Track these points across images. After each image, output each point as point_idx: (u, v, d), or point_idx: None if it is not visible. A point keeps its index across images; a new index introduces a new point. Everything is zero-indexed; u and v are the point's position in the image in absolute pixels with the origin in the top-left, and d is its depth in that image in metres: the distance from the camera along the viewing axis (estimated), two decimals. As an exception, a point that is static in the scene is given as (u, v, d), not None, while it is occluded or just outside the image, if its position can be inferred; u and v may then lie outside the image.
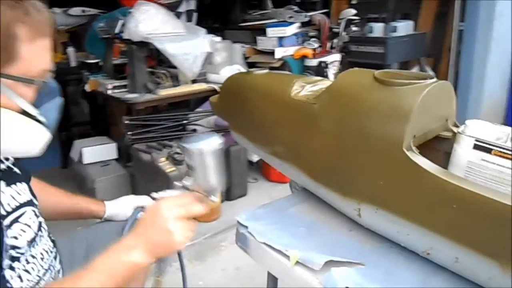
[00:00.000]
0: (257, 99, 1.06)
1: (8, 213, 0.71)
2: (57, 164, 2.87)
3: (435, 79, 0.77)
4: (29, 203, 0.78)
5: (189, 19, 2.99)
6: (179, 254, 0.94)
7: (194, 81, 2.43)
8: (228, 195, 2.39)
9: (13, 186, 0.75)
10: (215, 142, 0.74)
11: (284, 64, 2.69)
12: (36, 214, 0.79)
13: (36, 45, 0.65)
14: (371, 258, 0.80)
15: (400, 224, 0.76)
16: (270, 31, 2.69)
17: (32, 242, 0.75)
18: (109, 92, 2.35)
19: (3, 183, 0.72)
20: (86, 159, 2.40)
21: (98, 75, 2.60)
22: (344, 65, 2.84)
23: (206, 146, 0.72)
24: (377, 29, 3.18)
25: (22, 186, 0.78)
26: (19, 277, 0.71)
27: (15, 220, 0.72)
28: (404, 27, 3.19)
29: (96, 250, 0.67)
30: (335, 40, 2.72)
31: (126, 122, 2.15)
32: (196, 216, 0.73)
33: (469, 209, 0.65)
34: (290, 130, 0.97)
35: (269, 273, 0.96)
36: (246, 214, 0.95)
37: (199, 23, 2.96)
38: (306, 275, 0.76)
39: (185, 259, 0.97)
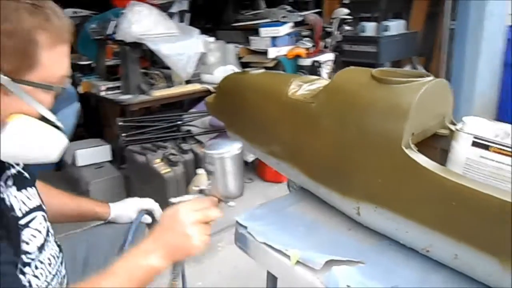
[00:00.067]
0: (254, 99, 1.06)
1: (19, 218, 0.71)
2: (51, 166, 2.85)
3: (432, 77, 0.78)
4: (39, 208, 0.77)
5: (181, 20, 2.98)
6: None
7: (188, 82, 2.43)
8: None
9: (23, 191, 0.75)
10: (235, 148, 0.74)
11: (277, 64, 2.69)
12: (45, 219, 0.78)
13: (56, 52, 0.65)
14: (370, 256, 0.80)
15: (399, 222, 0.76)
16: (264, 31, 2.70)
17: (41, 248, 0.75)
18: (102, 93, 2.33)
19: (14, 188, 0.72)
20: (80, 162, 2.38)
21: (91, 76, 2.58)
22: (338, 64, 2.85)
23: (227, 152, 0.72)
24: (370, 28, 3.20)
25: (32, 191, 0.78)
26: (29, 282, 0.70)
27: (26, 225, 0.72)
28: (396, 26, 3.22)
29: (96, 253, 0.67)
30: (328, 40, 2.73)
31: (120, 123, 2.14)
32: (212, 221, 0.74)
33: (468, 206, 0.65)
34: (288, 129, 0.96)
35: (268, 273, 0.96)
36: (245, 214, 0.95)
37: (192, 23, 2.95)
38: (307, 275, 0.76)
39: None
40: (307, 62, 2.67)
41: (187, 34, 2.31)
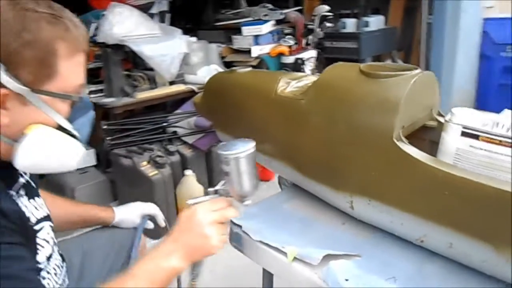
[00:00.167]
0: (243, 97, 1.06)
1: (33, 228, 0.71)
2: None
3: (420, 70, 0.79)
4: (47, 218, 0.76)
5: (162, 20, 2.94)
6: None
7: (171, 83, 2.40)
8: (212, 196, 2.37)
9: (31, 200, 0.74)
10: (249, 147, 0.75)
11: (261, 62, 2.69)
12: (52, 229, 0.78)
13: (74, 61, 0.65)
14: (366, 250, 0.81)
15: (393, 214, 0.77)
16: (246, 30, 2.69)
17: (49, 258, 0.75)
18: (85, 97, 2.29)
19: (26, 197, 0.72)
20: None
21: (71, 80, 2.52)
22: (320, 61, 2.87)
23: (241, 152, 0.74)
24: (350, 24, 3.23)
25: (39, 201, 0.77)
26: None
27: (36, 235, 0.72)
28: (375, 22, 3.26)
29: (92, 258, 0.67)
30: (310, 37, 2.74)
31: (105, 127, 2.10)
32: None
33: (460, 195, 0.66)
34: (278, 127, 0.97)
35: (264, 272, 0.96)
36: (239, 213, 0.95)
37: (172, 24, 2.91)
38: (304, 271, 0.76)
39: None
40: (290, 59, 2.67)
41: (170, 35, 2.29)
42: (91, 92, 2.27)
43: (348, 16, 3.33)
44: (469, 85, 3.20)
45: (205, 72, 2.53)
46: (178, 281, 0.98)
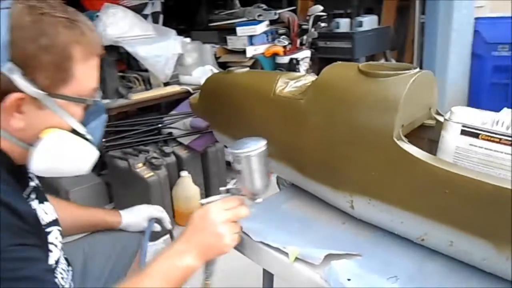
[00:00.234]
0: (241, 98, 1.05)
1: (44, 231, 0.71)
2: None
3: (418, 69, 0.79)
4: (55, 222, 0.76)
5: (155, 21, 2.93)
6: None
7: (166, 84, 2.39)
8: (208, 196, 2.35)
9: (41, 205, 0.74)
10: (260, 145, 0.76)
11: (255, 63, 2.69)
12: (60, 234, 0.78)
13: (88, 65, 0.66)
14: (367, 249, 0.81)
15: (393, 213, 0.77)
16: (240, 30, 2.68)
17: (57, 262, 0.75)
18: (79, 99, 2.27)
19: (36, 201, 0.72)
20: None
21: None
22: (314, 61, 2.87)
23: (253, 151, 0.74)
24: (344, 24, 3.25)
25: (48, 205, 0.76)
26: None
27: None
28: (369, 22, 3.28)
29: (94, 261, 0.67)
30: (304, 37, 2.74)
31: (99, 129, 2.08)
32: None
33: (461, 193, 0.67)
34: (277, 127, 0.96)
35: (264, 272, 0.96)
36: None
37: (165, 25, 2.90)
38: (306, 271, 0.76)
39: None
40: (284, 59, 2.67)
41: (164, 35, 2.28)
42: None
43: (341, 16, 3.35)
44: (462, 84, 3.24)
45: (200, 72, 2.52)
46: None
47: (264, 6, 2.79)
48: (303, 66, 2.68)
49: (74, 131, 0.67)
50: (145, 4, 2.83)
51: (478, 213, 0.66)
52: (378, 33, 3.36)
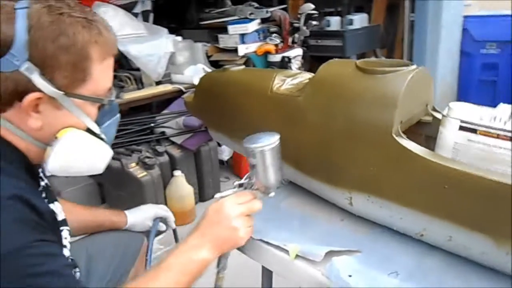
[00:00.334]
0: (237, 96, 1.05)
1: None
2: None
3: (415, 66, 0.80)
4: (65, 222, 0.76)
5: (145, 20, 2.91)
6: None
7: (158, 83, 2.37)
8: (201, 195, 2.36)
9: (51, 205, 0.73)
10: (274, 140, 0.77)
11: (247, 61, 2.68)
12: (69, 234, 0.78)
13: (105, 65, 0.66)
14: (366, 245, 0.81)
15: (393, 209, 0.77)
16: (232, 28, 2.67)
17: None
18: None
19: (46, 201, 0.71)
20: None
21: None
22: (306, 59, 2.88)
23: (267, 145, 0.76)
24: (334, 22, 3.26)
25: (58, 205, 0.76)
26: None
27: None
28: (359, 20, 3.30)
29: (98, 261, 0.68)
30: (296, 35, 2.74)
31: (91, 129, 2.06)
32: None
33: (460, 188, 0.67)
34: (275, 125, 0.96)
35: (263, 271, 0.96)
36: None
37: (155, 24, 2.88)
38: (307, 268, 0.76)
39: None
40: (276, 58, 2.67)
41: (156, 34, 2.26)
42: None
43: (332, 14, 3.36)
44: (451, 81, 3.27)
45: (192, 71, 2.51)
46: None
47: (256, 5, 2.78)
48: (295, 64, 2.68)
49: (89, 131, 0.68)
50: (135, 3, 2.81)
51: (477, 208, 0.66)
52: (368, 31, 3.38)
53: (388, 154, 0.75)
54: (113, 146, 2.31)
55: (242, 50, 2.66)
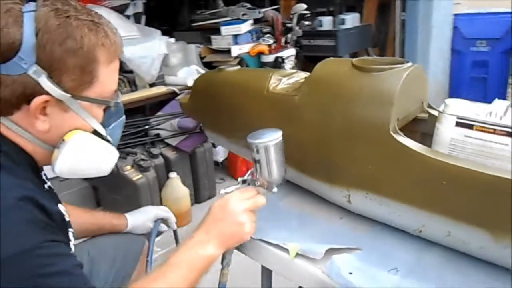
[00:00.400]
0: (233, 96, 1.05)
1: None
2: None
3: (411, 63, 0.80)
4: (69, 224, 0.76)
5: (137, 22, 2.90)
6: None
7: (152, 85, 2.36)
8: (197, 197, 2.36)
9: (56, 206, 0.72)
10: (277, 135, 0.78)
11: (241, 62, 2.68)
12: (74, 236, 0.77)
13: (111, 67, 0.66)
14: (365, 243, 0.81)
15: (391, 206, 0.78)
16: (225, 30, 2.67)
17: None
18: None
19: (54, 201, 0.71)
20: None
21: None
22: (299, 59, 2.89)
23: (270, 141, 0.77)
24: (326, 22, 3.28)
25: (62, 207, 0.75)
26: None
27: None
28: (351, 20, 3.32)
29: (100, 264, 0.68)
30: (289, 35, 2.75)
31: (84, 132, 2.05)
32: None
33: (458, 184, 0.68)
34: (272, 124, 0.95)
35: (263, 270, 0.96)
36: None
37: (147, 26, 2.87)
38: (307, 266, 0.76)
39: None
40: (270, 58, 2.67)
41: (149, 36, 2.25)
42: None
43: (324, 14, 3.37)
44: (443, 79, 3.30)
45: (185, 73, 2.50)
46: None
47: (248, 5, 2.79)
48: (289, 64, 2.69)
49: (96, 133, 0.68)
50: (127, 5, 2.79)
51: (475, 203, 0.67)
52: (360, 30, 3.41)
53: (386, 151, 0.76)
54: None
55: (236, 51, 2.65)
